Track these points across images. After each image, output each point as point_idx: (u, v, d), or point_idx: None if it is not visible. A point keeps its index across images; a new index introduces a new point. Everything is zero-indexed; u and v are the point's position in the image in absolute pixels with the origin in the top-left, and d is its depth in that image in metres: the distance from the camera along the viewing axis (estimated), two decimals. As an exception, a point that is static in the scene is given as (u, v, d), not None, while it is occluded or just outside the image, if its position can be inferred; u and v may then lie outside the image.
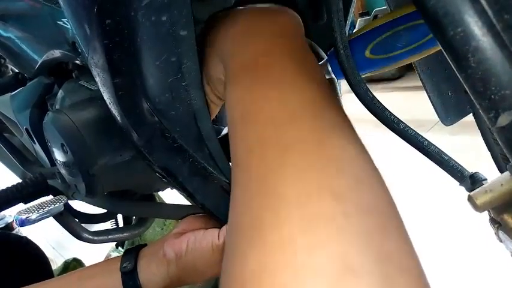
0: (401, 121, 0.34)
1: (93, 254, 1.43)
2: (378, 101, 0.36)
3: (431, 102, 0.57)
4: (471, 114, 0.57)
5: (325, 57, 0.46)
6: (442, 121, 0.57)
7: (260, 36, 0.35)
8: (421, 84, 0.57)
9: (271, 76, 0.31)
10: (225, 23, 0.39)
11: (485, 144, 0.57)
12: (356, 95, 0.37)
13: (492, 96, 0.21)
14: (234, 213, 0.27)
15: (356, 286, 0.19)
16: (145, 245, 0.55)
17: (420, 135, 0.34)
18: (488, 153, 0.57)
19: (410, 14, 0.35)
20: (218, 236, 0.50)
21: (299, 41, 0.36)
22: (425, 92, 0.58)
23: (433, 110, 0.57)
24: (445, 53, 0.23)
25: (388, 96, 3.23)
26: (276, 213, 0.23)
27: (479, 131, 0.58)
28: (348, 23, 0.59)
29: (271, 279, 0.20)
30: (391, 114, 0.35)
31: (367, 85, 0.38)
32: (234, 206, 0.28)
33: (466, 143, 1.78)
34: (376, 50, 0.37)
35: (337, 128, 0.28)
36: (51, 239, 1.76)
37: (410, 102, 2.72)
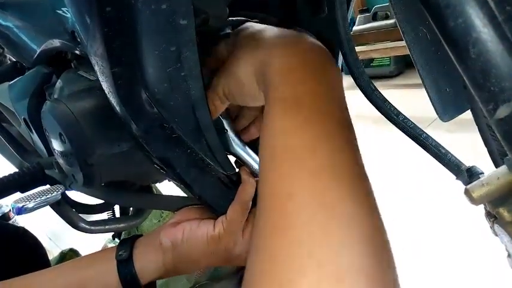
0: (401, 113, 0.34)
1: (90, 244, 1.43)
2: (380, 92, 0.36)
3: (430, 98, 0.57)
4: (469, 111, 0.57)
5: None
6: (439, 117, 0.57)
7: (314, 70, 0.37)
8: (420, 82, 0.57)
9: (322, 120, 0.34)
10: (275, 40, 0.41)
11: (482, 141, 0.57)
12: (358, 87, 0.37)
13: (492, 88, 0.21)
14: (263, 256, 0.30)
15: None
16: (141, 235, 0.56)
17: (419, 128, 0.34)
18: (485, 151, 0.58)
19: None
20: (214, 226, 0.50)
21: (340, 83, 0.39)
22: (423, 89, 0.58)
23: (431, 107, 0.57)
24: (445, 45, 0.23)
25: (387, 94, 3.22)
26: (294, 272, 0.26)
27: (476, 129, 0.58)
28: (348, 18, 0.59)
29: None
30: (391, 105, 0.35)
31: (368, 81, 0.39)
32: (263, 251, 0.30)
33: (463, 141, 1.78)
34: None
35: (365, 197, 0.30)
36: (48, 230, 1.76)
37: (409, 100, 2.72)
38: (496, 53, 0.20)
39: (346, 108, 0.37)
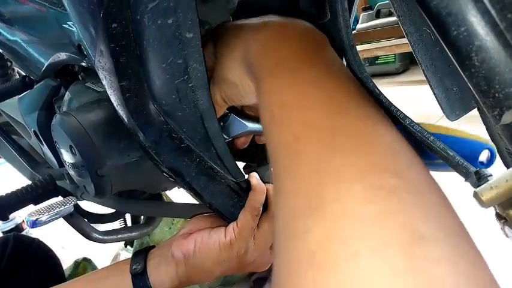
0: (407, 116, 0.35)
1: (103, 253, 1.45)
2: (385, 96, 0.36)
3: (436, 97, 0.57)
4: (476, 109, 0.57)
5: None
6: (447, 116, 0.57)
7: (294, 39, 0.36)
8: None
9: (311, 71, 0.32)
10: (250, 28, 0.40)
11: (490, 140, 0.56)
12: (363, 92, 0.37)
13: (496, 95, 0.21)
14: (284, 196, 0.27)
15: (429, 253, 0.19)
16: (154, 246, 0.56)
17: (426, 131, 0.34)
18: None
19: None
20: (225, 234, 0.51)
21: (327, 44, 0.37)
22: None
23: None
24: (448, 52, 0.23)
25: (393, 91, 3.22)
26: (336, 188, 0.23)
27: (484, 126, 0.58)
28: (352, 19, 0.59)
29: (343, 248, 0.20)
30: (397, 109, 0.35)
31: (373, 79, 0.39)
32: (283, 190, 0.27)
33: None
34: None
35: (380, 117, 0.29)
36: (61, 239, 1.77)
37: (416, 96, 2.71)
38: (499, 60, 0.21)
39: (337, 60, 0.35)
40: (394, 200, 0.21)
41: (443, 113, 0.57)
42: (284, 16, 0.40)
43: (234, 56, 0.40)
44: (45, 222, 0.62)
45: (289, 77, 0.32)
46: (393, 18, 3.41)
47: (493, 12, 0.20)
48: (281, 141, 0.30)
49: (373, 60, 3.83)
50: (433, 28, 0.23)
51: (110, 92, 0.42)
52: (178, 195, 0.98)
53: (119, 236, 0.75)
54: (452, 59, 0.23)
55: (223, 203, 0.50)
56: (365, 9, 3.84)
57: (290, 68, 0.33)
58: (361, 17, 3.77)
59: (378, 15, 3.67)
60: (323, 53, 0.35)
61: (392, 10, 0.51)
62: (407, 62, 3.84)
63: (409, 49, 0.46)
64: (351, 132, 0.26)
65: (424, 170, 0.25)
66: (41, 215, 0.61)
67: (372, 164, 0.24)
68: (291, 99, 0.31)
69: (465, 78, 0.23)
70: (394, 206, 0.21)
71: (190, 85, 0.40)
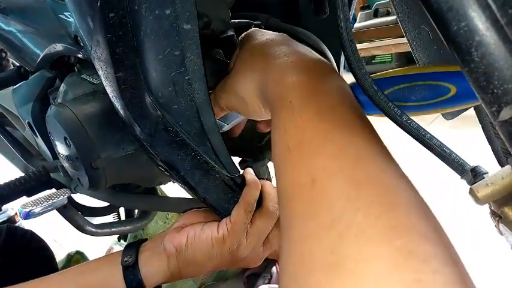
0: (405, 113, 0.35)
1: (96, 246, 1.44)
2: (382, 93, 0.36)
3: (433, 96, 0.57)
4: (472, 108, 0.57)
5: (329, 54, 0.46)
6: (443, 115, 0.57)
7: (320, 82, 0.35)
8: (423, 78, 0.57)
9: (334, 112, 0.31)
10: (277, 55, 0.39)
11: (486, 138, 0.57)
12: (361, 88, 0.37)
13: (495, 90, 0.21)
14: (296, 244, 0.26)
15: None
16: (146, 239, 0.56)
17: (422, 128, 0.34)
18: (489, 147, 0.58)
19: (432, 73, 0.36)
20: (217, 228, 0.50)
21: (349, 91, 0.36)
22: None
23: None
24: (448, 48, 0.23)
25: (389, 90, 3.22)
26: (360, 246, 0.22)
27: (479, 125, 0.58)
28: (350, 17, 0.59)
29: None
30: (395, 106, 0.35)
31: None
32: (295, 237, 0.26)
33: (467, 137, 1.78)
34: (390, 97, 0.36)
35: (400, 171, 0.28)
36: (53, 232, 1.77)
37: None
38: (498, 55, 0.20)
39: (358, 105, 0.34)
40: (428, 271, 0.20)
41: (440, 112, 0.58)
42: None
43: (252, 75, 0.41)
44: (39, 214, 0.61)
45: (311, 114, 0.31)
46: (391, 18, 3.41)
47: (493, 7, 0.20)
48: (296, 183, 0.29)
49: (370, 60, 3.84)
50: (433, 23, 0.23)
51: (105, 83, 0.42)
52: (173, 189, 0.98)
53: (113, 229, 0.75)
54: (452, 54, 0.23)
55: (218, 197, 0.50)
56: (363, 8, 3.84)
57: (312, 105, 0.32)
58: (359, 16, 3.77)
59: (375, 14, 3.67)
60: (345, 96, 0.34)
61: (391, 8, 0.51)
62: (404, 62, 3.84)
63: (406, 49, 0.47)
64: (374, 184, 0.25)
65: (446, 244, 0.24)
66: (34, 207, 0.61)
67: (398, 222, 0.23)
68: (311, 138, 0.30)
69: (464, 73, 0.23)
70: (429, 278, 0.20)
71: (187, 78, 0.40)
